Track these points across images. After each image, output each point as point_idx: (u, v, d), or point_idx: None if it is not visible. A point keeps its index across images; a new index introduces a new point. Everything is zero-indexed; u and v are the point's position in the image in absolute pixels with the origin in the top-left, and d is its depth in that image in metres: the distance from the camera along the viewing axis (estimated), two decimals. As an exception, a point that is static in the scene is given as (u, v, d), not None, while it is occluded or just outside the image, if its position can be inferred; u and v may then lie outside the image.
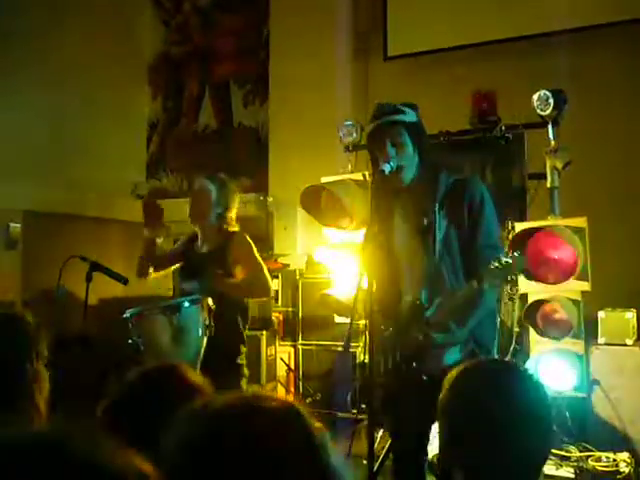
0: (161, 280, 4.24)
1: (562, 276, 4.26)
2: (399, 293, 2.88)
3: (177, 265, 3.91)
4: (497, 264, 2.49)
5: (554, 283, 4.30)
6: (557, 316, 4.33)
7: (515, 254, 2.54)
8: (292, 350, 5.87)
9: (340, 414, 5.10)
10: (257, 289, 3.74)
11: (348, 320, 2.69)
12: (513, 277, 2.66)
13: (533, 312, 4.37)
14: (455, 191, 2.78)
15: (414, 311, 2.76)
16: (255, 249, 3.74)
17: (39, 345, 1.92)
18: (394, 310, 2.85)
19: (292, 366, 5.85)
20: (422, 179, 2.84)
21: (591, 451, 4.31)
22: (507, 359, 4.24)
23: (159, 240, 3.82)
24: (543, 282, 4.30)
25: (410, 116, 2.82)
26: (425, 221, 2.76)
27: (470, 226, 2.74)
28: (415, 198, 2.85)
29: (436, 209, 2.74)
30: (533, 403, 1.51)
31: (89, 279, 3.63)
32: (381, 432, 4.19)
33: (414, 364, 2.71)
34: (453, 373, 1.60)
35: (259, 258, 3.72)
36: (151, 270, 3.83)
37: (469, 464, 1.49)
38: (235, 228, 3.78)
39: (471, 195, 2.76)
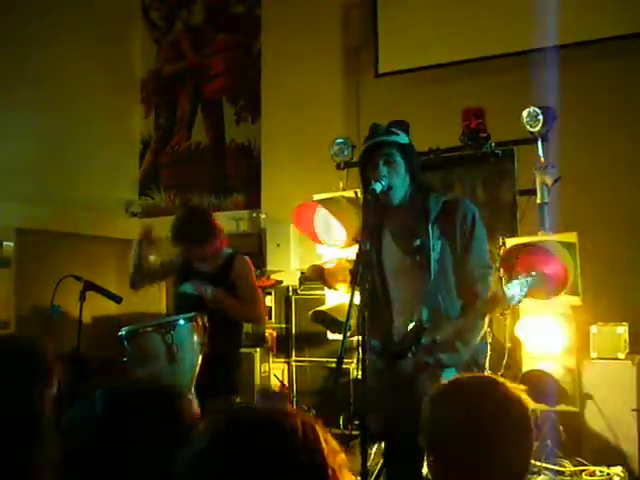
0: (155, 298, 4.25)
1: (553, 291, 4.27)
2: (390, 312, 2.90)
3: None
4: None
5: (547, 298, 4.31)
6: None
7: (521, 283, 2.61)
8: (285, 366, 5.87)
9: (334, 430, 5.09)
10: (250, 316, 3.82)
11: (341, 337, 2.71)
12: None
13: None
14: (447, 212, 2.82)
15: (417, 333, 2.77)
16: (254, 275, 3.80)
17: (54, 374, 1.95)
18: (386, 330, 2.88)
19: (286, 382, 5.85)
20: (412, 199, 2.88)
21: (585, 465, 4.32)
22: (499, 374, 4.26)
23: (151, 257, 3.85)
24: (536, 298, 4.31)
25: (403, 138, 2.86)
26: (418, 241, 2.79)
27: (462, 247, 2.78)
28: (405, 218, 2.88)
29: (429, 230, 2.78)
30: (514, 417, 1.53)
31: (83, 299, 3.64)
32: (375, 448, 4.19)
33: (412, 385, 2.73)
34: (436, 389, 1.62)
35: (256, 285, 3.79)
36: (147, 281, 3.88)
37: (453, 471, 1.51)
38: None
39: (463, 216, 2.80)
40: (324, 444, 1.08)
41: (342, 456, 1.11)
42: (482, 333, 2.79)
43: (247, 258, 3.81)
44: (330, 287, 4.92)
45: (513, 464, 1.51)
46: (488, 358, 3.02)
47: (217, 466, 1.05)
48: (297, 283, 5.89)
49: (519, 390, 1.59)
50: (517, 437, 1.52)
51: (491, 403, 1.54)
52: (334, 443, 1.11)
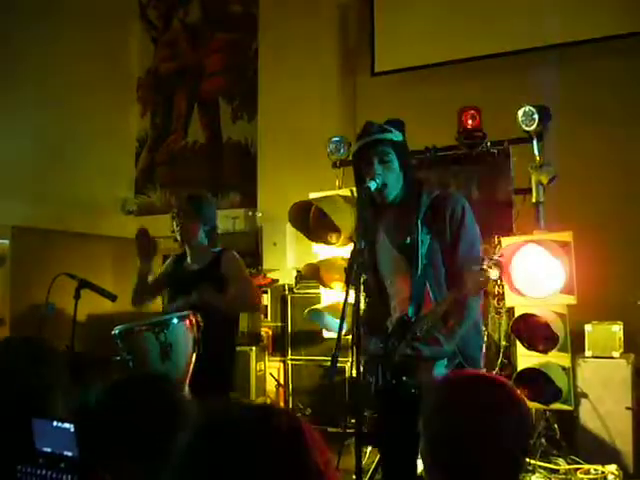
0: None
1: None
2: (385, 309, 2.90)
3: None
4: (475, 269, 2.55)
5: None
6: (544, 330, 4.34)
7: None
8: (281, 365, 5.88)
9: (330, 429, 5.09)
10: (245, 304, 3.78)
11: (336, 335, 2.70)
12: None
13: (520, 325, 4.39)
14: (436, 207, 2.81)
15: (401, 326, 2.78)
16: (244, 266, 3.78)
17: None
18: (381, 326, 2.88)
19: (281, 381, 5.85)
20: (406, 197, 2.87)
21: (579, 464, 4.33)
22: (494, 372, 4.26)
23: (150, 276, 3.82)
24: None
25: (397, 136, 2.86)
26: (408, 239, 2.79)
27: (451, 239, 2.77)
28: (399, 215, 2.88)
29: (418, 225, 2.77)
30: (509, 412, 1.53)
31: (77, 296, 3.63)
32: (370, 447, 4.19)
33: (404, 378, 2.73)
34: (440, 385, 1.62)
35: (248, 275, 3.77)
36: (146, 298, 3.86)
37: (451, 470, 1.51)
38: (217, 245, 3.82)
39: (452, 208, 2.79)
40: (310, 443, 1.08)
41: (328, 455, 1.11)
42: (469, 322, 2.76)
43: (234, 252, 3.78)
44: (326, 285, 4.92)
45: (508, 466, 1.52)
46: (483, 353, 2.98)
47: (200, 463, 1.05)
48: (293, 282, 5.90)
49: (517, 390, 1.60)
50: (515, 439, 1.53)
51: (493, 402, 1.54)
52: (321, 442, 1.11)
